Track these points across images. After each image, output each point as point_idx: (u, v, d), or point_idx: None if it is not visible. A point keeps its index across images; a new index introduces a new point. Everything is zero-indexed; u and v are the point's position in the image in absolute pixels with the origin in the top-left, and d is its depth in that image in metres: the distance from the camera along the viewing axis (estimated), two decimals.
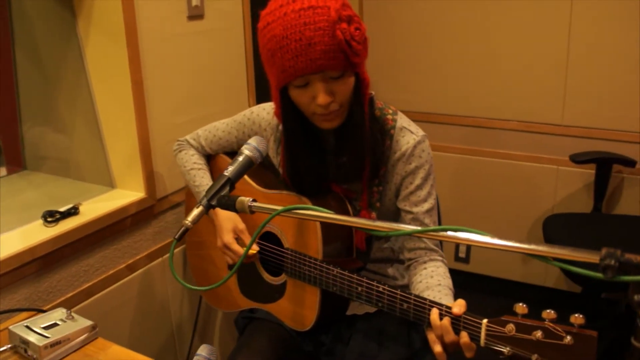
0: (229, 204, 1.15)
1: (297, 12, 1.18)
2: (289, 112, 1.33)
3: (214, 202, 1.16)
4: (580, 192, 2.72)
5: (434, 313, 1.13)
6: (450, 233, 0.93)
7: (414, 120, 1.47)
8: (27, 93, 1.94)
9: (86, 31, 1.72)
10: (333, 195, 1.45)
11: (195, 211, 1.15)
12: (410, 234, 0.95)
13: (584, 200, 2.71)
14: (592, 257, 0.83)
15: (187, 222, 1.14)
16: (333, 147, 1.42)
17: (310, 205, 1.08)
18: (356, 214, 1.44)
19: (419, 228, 0.94)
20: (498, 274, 3.01)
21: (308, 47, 1.18)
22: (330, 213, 1.05)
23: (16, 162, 2.05)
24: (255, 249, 1.50)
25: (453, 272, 1.43)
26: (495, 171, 2.90)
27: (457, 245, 3.06)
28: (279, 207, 1.09)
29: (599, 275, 0.82)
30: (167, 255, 1.94)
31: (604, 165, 2.54)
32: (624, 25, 2.49)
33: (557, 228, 2.45)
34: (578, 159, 2.52)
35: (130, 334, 1.85)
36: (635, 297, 0.80)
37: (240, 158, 1.23)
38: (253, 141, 1.25)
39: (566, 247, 0.86)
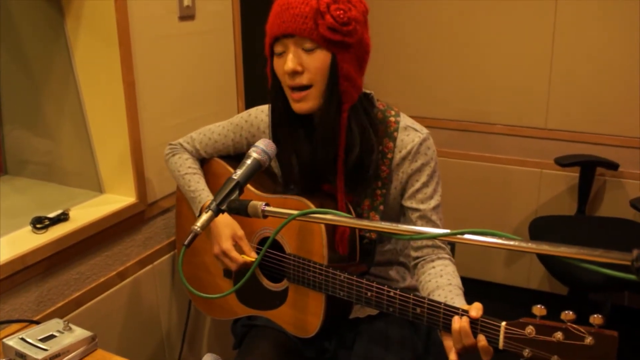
0: (240, 209, 1.12)
1: None
2: (273, 81, 1.35)
3: (223, 207, 1.13)
4: (564, 194, 2.76)
5: (455, 322, 1.11)
6: (474, 236, 0.92)
7: None
8: (10, 94, 1.86)
9: (75, 31, 1.67)
10: (331, 197, 1.43)
11: (205, 216, 1.11)
12: (435, 238, 0.93)
13: (568, 203, 2.74)
14: (623, 259, 0.83)
15: (196, 227, 1.10)
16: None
17: (326, 209, 1.05)
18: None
19: (445, 231, 0.93)
20: (481, 276, 3.03)
21: (285, 11, 1.25)
22: (347, 216, 1.03)
23: None
24: (254, 256, 1.46)
25: None
26: (479, 174, 2.92)
27: None
28: (293, 212, 1.06)
29: (632, 276, 0.82)
30: (158, 261, 1.89)
31: (588, 168, 2.58)
32: (606, 31, 2.54)
33: (543, 231, 2.48)
34: (563, 162, 2.55)
35: (120, 343, 1.80)
36: None
37: (249, 161, 1.19)
38: (261, 144, 1.22)
39: (597, 249, 0.85)
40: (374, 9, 2.92)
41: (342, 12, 1.23)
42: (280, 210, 1.08)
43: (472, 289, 2.97)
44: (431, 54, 2.91)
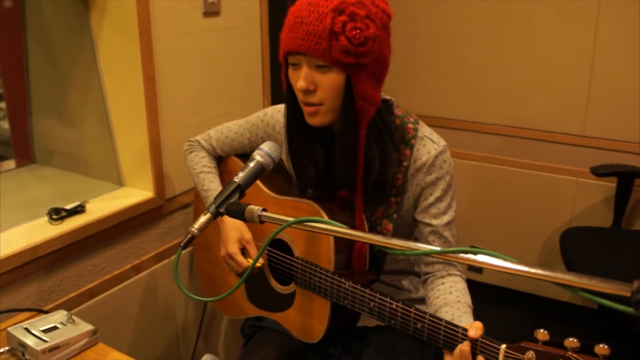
0: (238, 212, 1.10)
1: None
2: (288, 89, 1.31)
3: (222, 210, 1.12)
4: (600, 205, 2.65)
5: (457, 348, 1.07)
6: (469, 256, 0.88)
7: (431, 126, 1.42)
8: (38, 85, 1.90)
9: (99, 25, 1.69)
10: (345, 204, 1.40)
11: (203, 218, 1.11)
12: (427, 254, 0.89)
13: (603, 214, 2.63)
14: (623, 290, 0.78)
15: (193, 229, 1.10)
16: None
17: (321, 218, 1.03)
18: (370, 226, 1.39)
19: (436, 249, 0.89)
20: (512, 285, 2.94)
21: (299, 25, 1.18)
22: (342, 227, 1.00)
23: (25, 156, 2.02)
24: (260, 262, 1.45)
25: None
26: (513, 180, 2.84)
27: None
28: (290, 218, 1.04)
29: (630, 310, 0.77)
30: (174, 256, 1.90)
31: (626, 179, 2.47)
32: None
33: (574, 242, 2.38)
34: (599, 172, 2.44)
35: (133, 337, 1.81)
36: None
37: (252, 164, 1.18)
38: (265, 146, 1.20)
39: (594, 277, 0.80)
40: (412, 6, 2.86)
41: (358, 31, 1.15)
42: (276, 216, 1.06)
43: (503, 297, 2.92)
44: (468, 56, 2.83)
